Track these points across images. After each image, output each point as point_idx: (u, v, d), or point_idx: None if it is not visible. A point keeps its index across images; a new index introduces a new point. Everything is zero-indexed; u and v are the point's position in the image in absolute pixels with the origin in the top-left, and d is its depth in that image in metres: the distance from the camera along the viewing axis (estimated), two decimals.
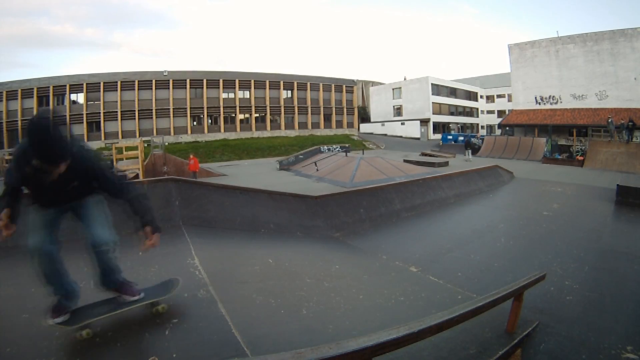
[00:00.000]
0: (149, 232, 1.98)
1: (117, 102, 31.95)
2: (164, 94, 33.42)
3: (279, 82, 38.07)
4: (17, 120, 29.32)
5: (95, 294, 2.19)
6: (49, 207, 1.97)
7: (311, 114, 40.01)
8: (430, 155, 23.72)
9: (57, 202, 1.97)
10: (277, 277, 3.02)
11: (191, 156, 19.02)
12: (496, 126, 40.17)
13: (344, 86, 42.13)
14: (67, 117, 30.63)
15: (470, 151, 22.98)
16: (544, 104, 28.80)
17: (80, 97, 31.74)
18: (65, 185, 1.88)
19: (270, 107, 37.80)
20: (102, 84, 31.35)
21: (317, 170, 18.14)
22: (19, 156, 1.78)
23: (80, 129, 31.20)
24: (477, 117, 49.15)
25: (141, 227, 1.99)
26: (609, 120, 21.13)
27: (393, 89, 47.57)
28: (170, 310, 2.19)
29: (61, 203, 1.99)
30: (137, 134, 31.01)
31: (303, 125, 39.46)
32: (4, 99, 29.13)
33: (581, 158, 19.77)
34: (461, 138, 32.49)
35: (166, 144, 25.35)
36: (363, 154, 23.50)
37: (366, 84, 54.19)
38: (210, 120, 35.90)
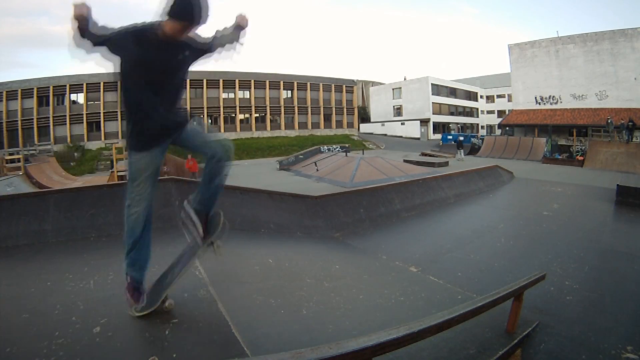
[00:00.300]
0: (243, 17, 2.12)
1: (117, 102, 31.92)
2: None
3: (279, 82, 38.05)
4: (17, 120, 29.32)
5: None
6: (158, 130, 1.89)
7: (311, 114, 40.00)
8: (430, 155, 23.76)
9: (166, 104, 1.89)
10: (277, 277, 3.01)
11: (190, 157, 19.00)
12: (496, 126, 40.17)
13: (344, 86, 42.11)
14: (67, 117, 30.64)
15: (462, 151, 23.21)
16: (544, 104, 28.80)
17: (80, 97, 31.74)
18: (177, 52, 1.86)
19: (270, 107, 37.79)
20: (102, 84, 31.34)
21: (317, 170, 18.16)
22: (137, 26, 1.77)
23: (80, 129, 31.20)
24: (477, 117, 49.15)
25: (237, 32, 2.13)
26: (609, 121, 21.11)
27: (393, 89, 47.58)
28: (170, 310, 2.19)
29: (170, 115, 1.92)
30: None
31: (303, 125, 39.46)
32: (4, 99, 29.11)
33: (581, 158, 19.78)
34: (461, 138, 32.51)
35: None
36: (363, 154, 23.53)
37: (366, 84, 54.18)
38: (210, 120, 35.88)
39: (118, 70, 1.81)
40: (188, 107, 33.74)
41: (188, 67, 2.01)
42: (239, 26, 2.14)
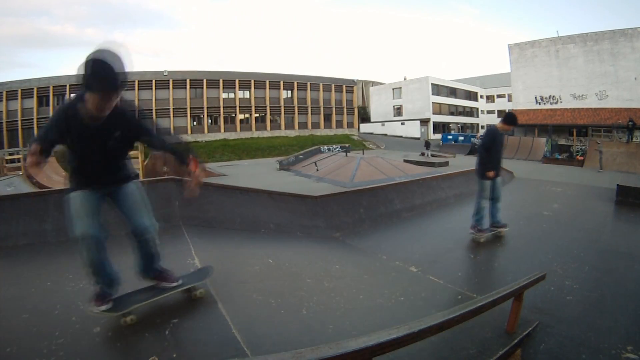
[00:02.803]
0: (195, 165, 2.00)
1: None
2: (164, 94, 33.40)
3: (279, 82, 38.05)
4: (17, 120, 29.32)
5: (133, 283, 2.24)
6: (91, 182, 1.93)
7: (311, 114, 39.99)
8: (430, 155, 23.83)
9: (99, 169, 1.93)
10: (277, 277, 3.02)
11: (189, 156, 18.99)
12: None
13: (344, 86, 42.11)
14: None
15: (429, 150, 24.36)
16: (544, 103, 28.80)
17: None
18: (109, 135, 1.84)
19: (270, 107, 37.78)
20: None
21: (317, 170, 18.16)
22: (65, 109, 1.78)
23: None
24: (477, 117, 49.15)
25: (186, 166, 2.01)
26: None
27: (393, 89, 47.56)
28: (170, 310, 2.19)
29: (103, 175, 1.96)
30: None
31: (303, 125, 39.45)
32: (4, 99, 29.12)
33: (581, 158, 19.78)
34: (461, 138, 32.55)
35: None
36: (363, 154, 23.51)
37: (366, 84, 54.17)
38: (210, 120, 35.88)
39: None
40: (188, 108, 33.77)
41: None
42: (190, 171, 2.01)
